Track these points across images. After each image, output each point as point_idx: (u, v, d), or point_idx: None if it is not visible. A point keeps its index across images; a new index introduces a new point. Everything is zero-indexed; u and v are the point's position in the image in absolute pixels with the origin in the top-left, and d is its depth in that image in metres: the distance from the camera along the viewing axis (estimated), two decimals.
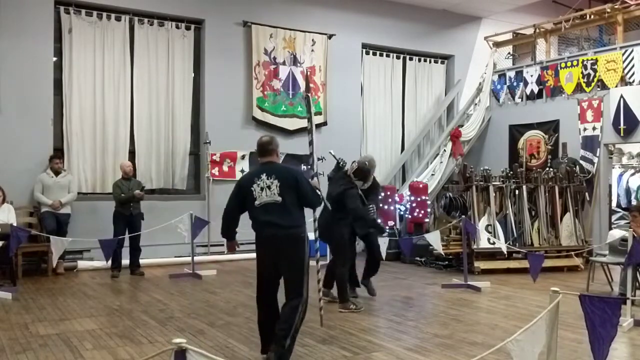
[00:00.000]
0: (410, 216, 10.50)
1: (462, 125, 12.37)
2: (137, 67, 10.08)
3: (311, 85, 11.41)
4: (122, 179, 8.81)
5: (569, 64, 11.14)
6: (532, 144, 11.22)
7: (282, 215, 4.38)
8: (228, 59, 10.69)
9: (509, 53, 13.43)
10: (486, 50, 12.93)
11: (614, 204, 11.41)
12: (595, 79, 10.64)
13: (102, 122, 9.74)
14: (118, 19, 9.88)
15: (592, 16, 11.47)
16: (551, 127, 11.20)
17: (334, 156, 6.93)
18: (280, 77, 11.15)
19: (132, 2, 9.93)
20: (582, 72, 10.85)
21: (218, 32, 10.62)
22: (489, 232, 8.95)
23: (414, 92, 13.01)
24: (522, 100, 12.14)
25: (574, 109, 10.79)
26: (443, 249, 8.29)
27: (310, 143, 5.61)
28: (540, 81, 11.63)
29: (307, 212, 4.73)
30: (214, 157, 10.44)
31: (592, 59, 10.73)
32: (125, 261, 8.70)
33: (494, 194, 9.27)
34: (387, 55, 12.66)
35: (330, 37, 11.62)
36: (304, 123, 11.25)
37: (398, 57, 12.80)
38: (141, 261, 8.89)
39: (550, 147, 11.05)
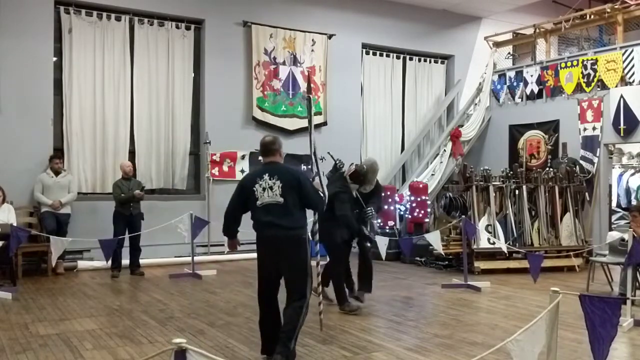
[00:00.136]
0: (410, 216, 10.50)
1: (462, 125, 12.37)
2: (137, 67, 10.08)
3: (311, 85, 11.41)
4: (122, 179, 8.81)
5: (569, 64, 11.14)
6: (532, 144, 11.22)
7: (284, 216, 4.36)
8: (228, 59, 10.69)
9: (509, 53, 13.44)
10: (486, 50, 12.93)
11: (614, 204, 11.41)
12: (595, 79, 10.64)
13: (102, 122, 9.74)
14: (118, 19, 9.88)
15: (592, 16, 11.47)
16: (551, 127, 11.20)
17: (332, 157, 6.91)
18: (280, 77, 11.15)
19: (132, 2, 9.93)
20: (582, 72, 10.85)
21: (218, 32, 10.62)
22: (489, 232, 8.95)
23: (414, 92, 13.01)
24: (522, 100, 12.14)
25: (574, 109, 10.79)
26: (443, 249, 8.29)
27: (312, 143, 5.53)
28: (540, 81, 11.63)
29: (308, 212, 4.71)
30: (214, 157, 10.44)
31: (592, 59, 10.73)
32: (125, 261, 8.70)
33: (494, 194, 9.27)
34: (387, 55, 12.67)
35: (330, 37, 11.62)
36: (304, 123, 11.26)
37: (398, 57, 12.80)
38: (141, 261, 8.89)
39: (550, 147, 11.05)
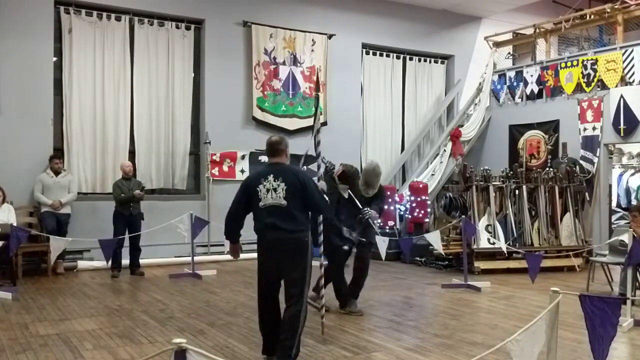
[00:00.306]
0: (410, 216, 10.50)
1: (462, 125, 12.37)
2: (137, 67, 10.08)
3: (311, 85, 11.42)
4: (122, 179, 8.81)
5: (569, 64, 11.14)
6: (532, 144, 11.22)
7: (286, 219, 4.30)
8: (228, 59, 10.69)
9: (509, 53, 13.44)
10: (486, 50, 12.93)
11: (614, 204, 11.41)
12: (595, 79, 10.65)
13: (102, 122, 9.74)
14: (118, 19, 9.88)
15: (592, 16, 11.47)
16: (551, 127, 11.20)
17: (322, 159, 6.86)
18: (280, 77, 11.15)
19: (132, 2, 9.93)
20: (582, 72, 10.85)
21: (218, 32, 10.62)
22: (489, 232, 8.95)
23: (414, 92, 13.01)
24: (522, 100, 12.14)
25: (574, 109, 10.79)
26: (443, 249, 8.29)
27: (318, 144, 5.48)
28: (540, 81, 11.64)
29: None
30: (214, 157, 10.44)
31: (592, 59, 10.73)
32: (125, 261, 8.70)
33: (494, 194, 9.27)
34: (387, 55, 12.67)
35: (330, 37, 11.62)
36: (304, 123, 11.29)
37: (398, 57, 12.80)
38: (141, 261, 8.89)
39: (550, 147, 11.05)
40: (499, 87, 12.62)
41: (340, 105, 11.75)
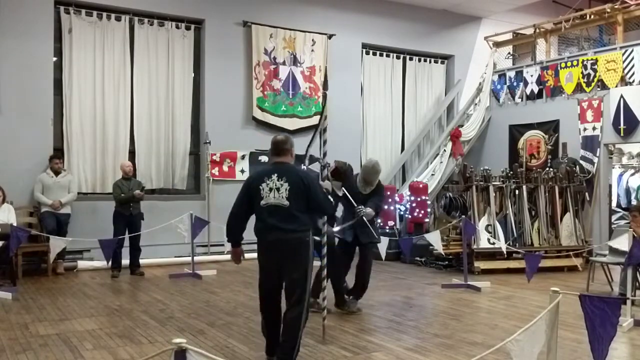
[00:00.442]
0: (410, 216, 10.50)
1: (462, 125, 12.37)
2: (137, 67, 10.08)
3: (311, 85, 11.44)
4: (122, 179, 8.81)
5: (569, 64, 11.14)
6: (532, 144, 11.22)
7: (287, 219, 4.24)
8: (228, 59, 10.69)
9: (509, 53, 13.44)
10: (486, 50, 12.94)
11: (614, 204, 11.41)
12: (595, 79, 10.65)
13: (102, 122, 9.74)
14: (118, 19, 9.88)
15: (592, 16, 11.47)
16: (551, 127, 11.20)
17: (317, 158, 6.84)
18: (280, 77, 11.15)
19: (132, 2, 9.93)
20: (582, 72, 10.85)
21: (218, 32, 10.62)
22: (489, 232, 8.95)
23: (414, 92, 13.01)
24: (522, 100, 12.15)
25: (574, 109, 10.79)
26: (443, 249, 8.29)
27: (324, 143, 5.45)
28: (540, 81, 11.64)
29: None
30: (214, 157, 10.44)
31: (592, 59, 10.73)
32: (125, 261, 8.70)
33: (494, 194, 9.27)
34: (387, 55, 12.67)
35: (330, 37, 11.62)
36: (304, 123, 11.30)
37: (398, 57, 12.80)
38: (141, 261, 8.89)
39: (550, 147, 11.05)
40: (499, 87, 12.62)
41: (340, 105, 11.74)
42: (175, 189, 10.43)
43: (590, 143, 10.52)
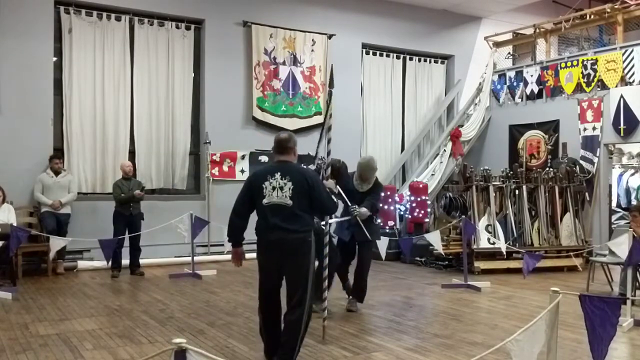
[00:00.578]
0: (410, 216, 10.50)
1: (462, 125, 12.37)
2: (137, 67, 10.08)
3: (311, 85, 11.44)
4: (122, 179, 8.80)
5: (569, 64, 11.14)
6: (532, 144, 11.22)
7: (289, 219, 4.19)
8: (228, 59, 10.69)
9: (509, 53, 13.44)
10: (486, 50, 12.93)
11: (614, 204, 11.41)
12: (595, 79, 10.65)
13: (102, 122, 9.74)
14: (118, 19, 9.88)
15: (592, 16, 11.47)
16: (551, 127, 11.20)
17: (313, 157, 6.82)
18: (280, 77, 11.15)
19: (132, 2, 9.93)
20: (582, 72, 10.85)
21: (218, 32, 10.62)
22: (489, 232, 8.95)
23: (414, 92, 13.01)
24: (522, 100, 12.15)
25: (574, 109, 10.79)
26: (443, 249, 8.29)
27: (329, 141, 5.41)
28: (540, 81, 11.64)
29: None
30: (214, 157, 10.44)
31: (592, 59, 10.73)
32: (125, 261, 8.70)
33: (494, 194, 9.27)
34: (387, 55, 12.67)
35: (330, 37, 11.62)
36: (304, 123, 11.30)
37: (398, 57, 12.80)
38: (141, 261, 8.89)
39: (550, 147, 11.05)
40: (499, 87, 12.62)
41: (340, 105, 11.69)
42: (175, 189, 10.43)
43: (590, 143, 10.52)
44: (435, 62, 13.27)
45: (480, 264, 8.83)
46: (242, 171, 10.59)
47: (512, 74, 12.35)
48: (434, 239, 7.91)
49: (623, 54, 10.25)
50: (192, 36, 10.58)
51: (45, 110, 9.24)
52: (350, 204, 6.10)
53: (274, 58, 11.09)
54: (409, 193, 10.68)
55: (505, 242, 8.77)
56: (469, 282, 7.74)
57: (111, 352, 4.80)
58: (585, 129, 10.62)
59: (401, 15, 12.43)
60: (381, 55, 12.59)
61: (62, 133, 9.51)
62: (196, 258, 8.97)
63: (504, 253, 8.55)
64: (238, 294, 7.32)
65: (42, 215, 8.67)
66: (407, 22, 12.54)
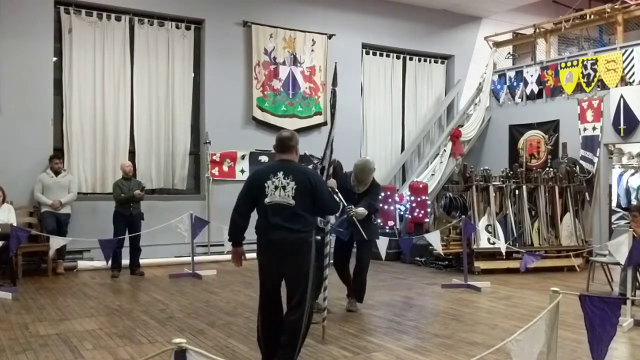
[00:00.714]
0: (410, 216, 10.50)
1: (462, 125, 12.37)
2: (137, 67, 10.08)
3: (311, 85, 11.44)
4: (122, 179, 8.80)
5: (569, 64, 11.14)
6: (532, 144, 11.22)
7: (291, 219, 4.15)
8: (228, 59, 10.69)
9: (509, 53, 13.44)
10: (486, 50, 12.94)
11: (614, 204, 11.41)
12: (595, 79, 10.65)
13: (102, 122, 9.75)
14: (118, 19, 9.88)
15: (592, 16, 11.47)
16: (551, 127, 11.21)
17: (310, 157, 6.82)
18: (280, 77, 11.15)
19: (132, 2, 9.93)
20: (582, 72, 10.85)
21: (218, 32, 10.62)
22: (489, 232, 8.95)
23: (414, 92, 13.01)
24: (522, 100, 12.15)
25: (574, 109, 10.79)
26: (443, 249, 8.29)
27: (332, 141, 5.38)
28: (540, 81, 11.64)
29: None
30: (214, 157, 10.44)
31: (592, 59, 10.74)
32: (125, 261, 8.70)
33: (494, 194, 9.27)
34: (387, 55, 12.67)
35: (330, 37, 11.62)
36: (304, 123, 11.30)
37: (398, 57, 12.80)
38: (141, 261, 8.89)
39: (550, 147, 11.05)
40: (499, 87, 12.62)
41: (340, 105, 11.58)
42: (175, 189, 10.43)
43: (590, 143, 10.52)
44: (435, 62, 13.27)
45: (480, 264, 8.83)
46: (242, 171, 10.60)
47: (512, 74, 12.35)
48: (434, 239, 7.91)
49: (623, 54, 10.25)
50: (192, 36, 10.58)
51: (45, 110, 9.24)
52: (346, 204, 6.06)
53: (274, 58, 11.09)
54: (409, 193, 10.69)
55: (505, 242, 8.77)
56: (469, 282, 7.74)
57: (111, 352, 4.80)
58: (585, 129, 10.62)
59: (401, 15, 12.43)
60: (381, 55, 12.59)
61: (62, 133, 9.51)
62: (196, 258, 8.97)
63: (504, 253, 8.55)
64: (238, 294, 7.32)
65: (42, 215, 8.67)
66: (407, 22, 12.55)
